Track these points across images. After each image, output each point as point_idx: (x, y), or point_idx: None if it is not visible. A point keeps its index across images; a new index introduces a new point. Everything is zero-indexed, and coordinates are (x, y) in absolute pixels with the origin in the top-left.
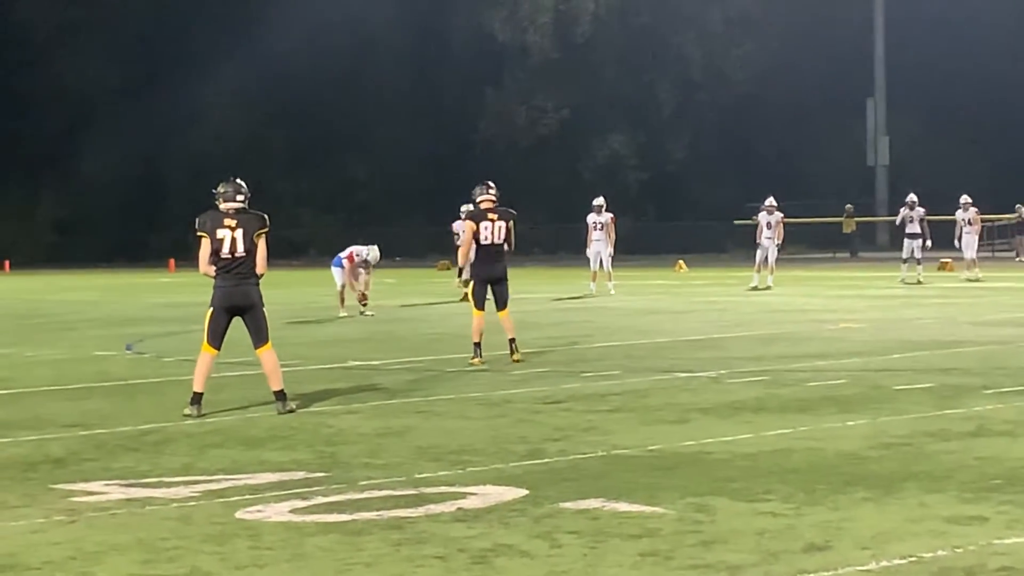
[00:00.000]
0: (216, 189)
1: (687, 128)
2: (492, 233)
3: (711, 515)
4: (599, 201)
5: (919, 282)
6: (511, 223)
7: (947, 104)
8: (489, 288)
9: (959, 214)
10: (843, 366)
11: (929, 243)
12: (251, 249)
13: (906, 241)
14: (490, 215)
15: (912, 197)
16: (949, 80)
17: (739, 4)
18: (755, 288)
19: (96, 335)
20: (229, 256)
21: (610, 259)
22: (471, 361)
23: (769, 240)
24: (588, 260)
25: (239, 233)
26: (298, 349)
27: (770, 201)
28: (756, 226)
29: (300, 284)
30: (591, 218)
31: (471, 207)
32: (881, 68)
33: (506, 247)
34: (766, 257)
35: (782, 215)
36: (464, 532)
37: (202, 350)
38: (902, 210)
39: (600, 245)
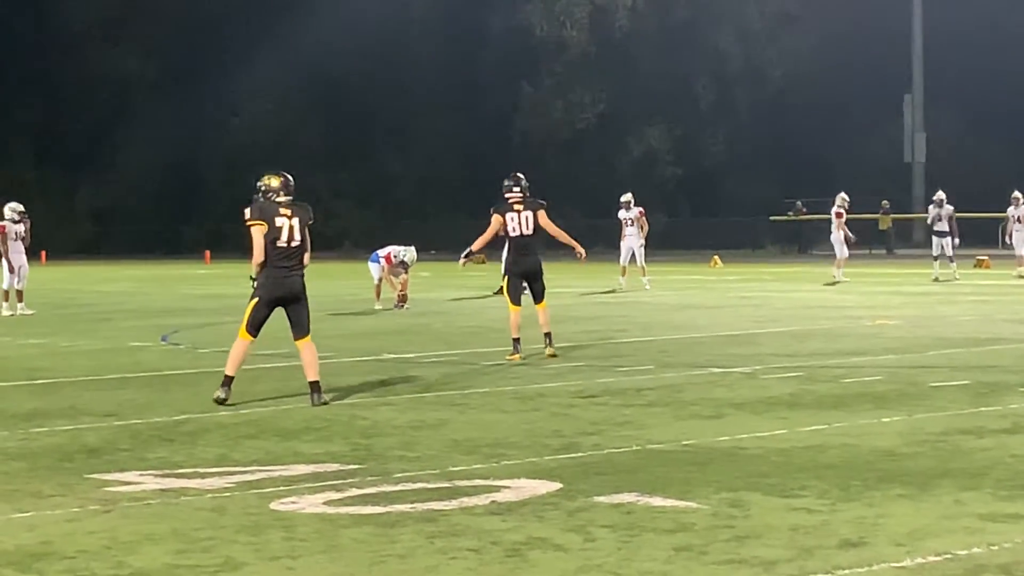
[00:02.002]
0: (262, 181)
1: (723, 124)
2: (520, 224)
3: (745, 510)
4: (626, 197)
5: (956, 278)
6: (540, 211)
7: (985, 101)
8: (526, 282)
9: (1010, 211)
10: (878, 363)
11: (958, 240)
12: (304, 239)
13: (935, 239)
14: (516, 206)
15: (940, 195)
16: (987, 77)
17: (777, 0)
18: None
19: (132, 326)
20: (286, 244)
21: (643, 253)
22: (508, 357)
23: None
24: (627, 255)
25: (295, 221)
26: (333, 341)
27: (844, 196)
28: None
29: (336, 277)
30: (621, 214)
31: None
32: (919, 64)
33: (557, 233)
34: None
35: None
36: (498, 525)
37: (239, 336)
38: (931, 208)
39: (632, 240)
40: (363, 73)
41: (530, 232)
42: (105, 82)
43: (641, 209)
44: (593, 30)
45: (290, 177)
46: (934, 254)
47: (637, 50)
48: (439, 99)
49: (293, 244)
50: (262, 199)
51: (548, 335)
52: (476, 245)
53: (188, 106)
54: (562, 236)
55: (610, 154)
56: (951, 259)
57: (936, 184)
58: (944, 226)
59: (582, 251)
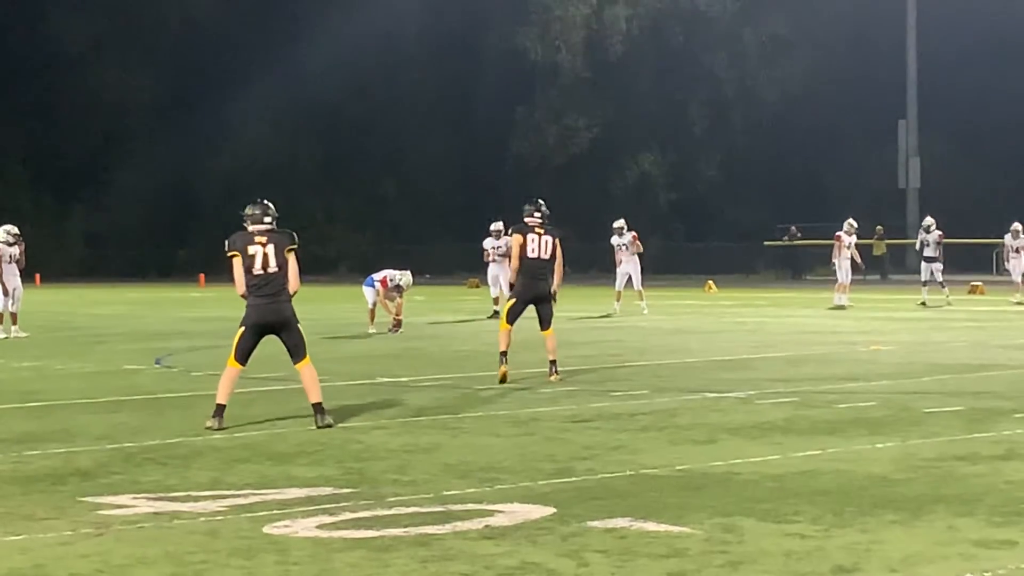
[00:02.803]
0: (244, 211)
1: (718, 148)
2: (539, 247)
3: (739, 536)
4: (619, 223)
5: (948, 304)
6: (558, 240)
7: (980, 127)
8: (534, 307)
9: (1007, 239)
10: (873, 388)
11: (940, 265)
12: (283, 265)
13: (923, 264)
14: (537, 229)
15: (928, 220)
16: (982, 102)
17: (771, 25)
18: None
19: (126, 349)
20: (262, 271)
21: (639, 278)
22: (500, 371)
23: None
24: (622, 280)
25: (270, 248)
26: (327, 364)
27: (851, 222)
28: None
29: (330, 300)
30: (614, 240)
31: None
32: (913, 90)
33: (557, 265)
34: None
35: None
36: (491, 549)
37: (228, 364)
38: (920, 233)
39: (628, 266)
40: (358, 97)
41: (547, 257)
42: (100, 105)
43: (634, 233)
44: (588, 55)
45: (269, 205)
46: (923, 279)
47: (632, 75)
48: (434, 123)
49: (269, 271)
50: (242, 230)
51: (553, 363)
52: (512, 277)
53: (183, 129)
54: (557, 270)
55: (604, 178)
56: (942, 284)
57: (930, 210)
58: (932, 251)
59: (557, 291)
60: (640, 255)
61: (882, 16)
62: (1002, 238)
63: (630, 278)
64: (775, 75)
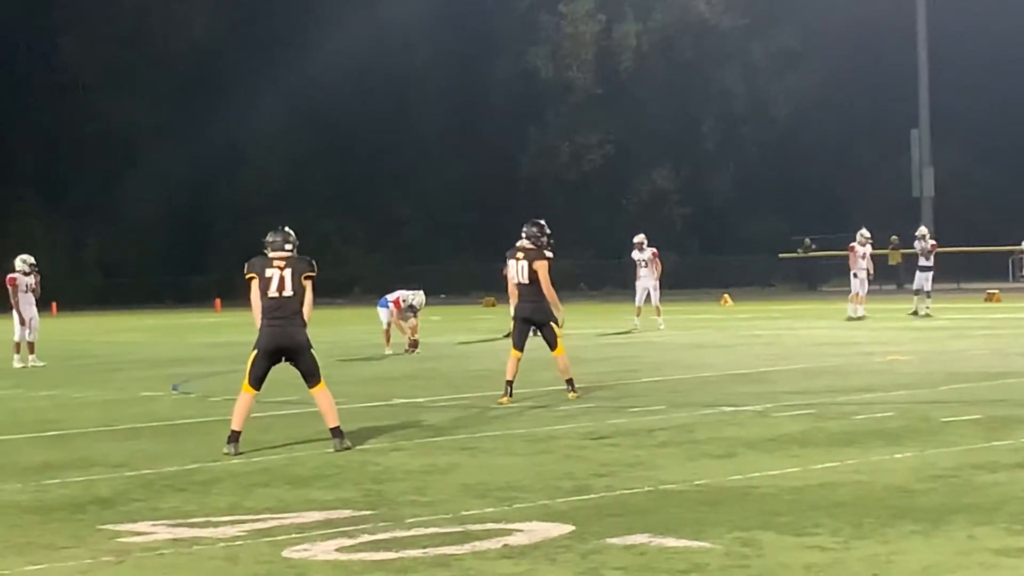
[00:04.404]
0: (265, 238)
1: (730, 162)
2: (517, 272)
3: (758, 549)
4: (639, 238)
5: (928, 315)
6: (534, 262)
7: (992, 134)
8: (535, 330)
9: None
10: (890, 399)
11: (931, 275)
12: (298, 291)
13: (918, 273)
14: (518, 254)
15: (923, 230)
16: (994, 110)
17: (781, 38)
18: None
19: (143, 376)
20: (277, 294)
21: (658, 293)
22: (499, 401)
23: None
24: (634, 295)
25: (287, 272)
26: (344, 387)
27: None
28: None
29: (345, 322)
30: (635, 255)
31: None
32: (925, 99)
33: (544, 289)
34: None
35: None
36: (510, 569)
37: (242, 390)
38: (916, 243)
39: (647, 281)
40: (369, 117)
41: (526, 281)
42: (112, 131)
43: (655, 250)
44: (599, 72)
45: (290, 232)
46: (915, 288)
47: (643, 91)
48: (446, 142)
49: (284, 295)
50: (262, 255)
51: (570, 381)
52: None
53: (195, 154)
54: (550, 295)
55: (617, 195)
56: (928, 294)
57: (945, 218)
58: (927, 260)
59: (561, 319)
60: (660, 274)
61: (893, 26)
62: (1019, 244)
63: (649, 293)
64: (786, 87)
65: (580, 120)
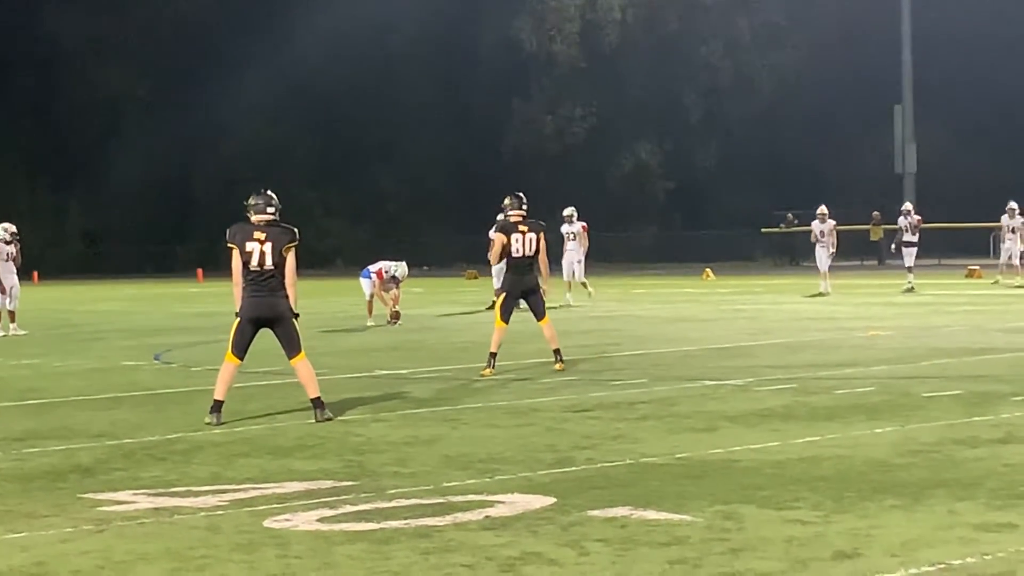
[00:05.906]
0: (247, 201)
1: (714, 137)
2: (523, 246)
3: (739, 523)
4: (569, 211)
5: (911, 289)
6: (541, 234)
7: (975, 111)
8: (524, 300)
9: (1005, 220)
10: (871, 374)
11: (915, 250)
12: (279, 263)
13: (904, 250)
14: (520, 227)
15: (907, 205)
16: (977, 87)
17: (766, 13)
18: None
19: (124, 345)
20: (258, 268)
21: (582, 269)
22: (482, 372)
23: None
24: (569, 270)
25: (268, 247)
26: (326, 358)
27: (822, 209)
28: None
29: (328, 294)
30: (564, 228)
31: (501, 218)
32: (908, 75)
33: (541, 258)
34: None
35: (834, 223)
36: (492, 540)
37: (225, 359)
38: (900, 219)
39: (573, 255)
40: (353, 90)
41: (531, 253)
42: (96, 101)
43: (584, 224)
44: (583, 45)
45: (272, 196)
46: (907, 265)
47: (627, 64)
48: (430, 115)
49: (265, 267)
50: (245, 220)
51: (557, 351)
52: (494, 262)
53: (179, 124)
54: (543, 263)
55: (601, 168)
56: (909, 269)
57: (927, 194)
58: (911, 236)
59: (546, 288)
60: (586, 248)
61: (876, 2)
62: (999, 220)
63: (574, 269)
64: (770, 62)
65: (564, 93)
